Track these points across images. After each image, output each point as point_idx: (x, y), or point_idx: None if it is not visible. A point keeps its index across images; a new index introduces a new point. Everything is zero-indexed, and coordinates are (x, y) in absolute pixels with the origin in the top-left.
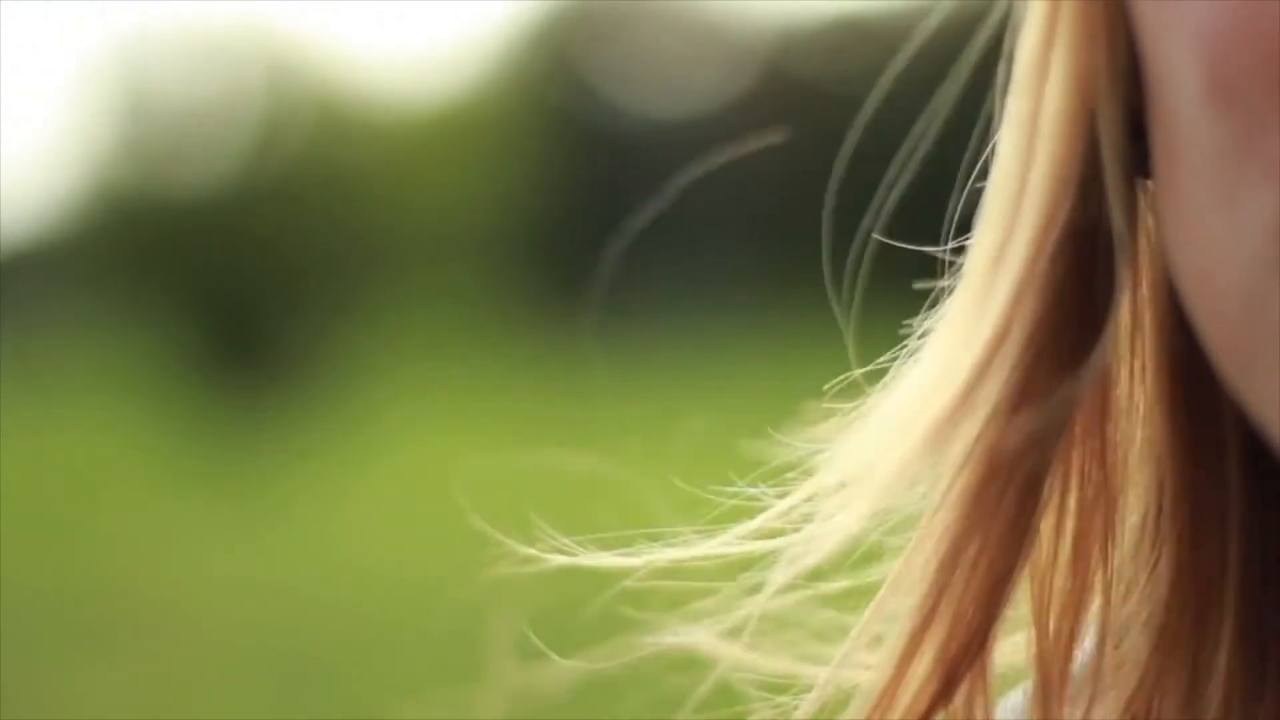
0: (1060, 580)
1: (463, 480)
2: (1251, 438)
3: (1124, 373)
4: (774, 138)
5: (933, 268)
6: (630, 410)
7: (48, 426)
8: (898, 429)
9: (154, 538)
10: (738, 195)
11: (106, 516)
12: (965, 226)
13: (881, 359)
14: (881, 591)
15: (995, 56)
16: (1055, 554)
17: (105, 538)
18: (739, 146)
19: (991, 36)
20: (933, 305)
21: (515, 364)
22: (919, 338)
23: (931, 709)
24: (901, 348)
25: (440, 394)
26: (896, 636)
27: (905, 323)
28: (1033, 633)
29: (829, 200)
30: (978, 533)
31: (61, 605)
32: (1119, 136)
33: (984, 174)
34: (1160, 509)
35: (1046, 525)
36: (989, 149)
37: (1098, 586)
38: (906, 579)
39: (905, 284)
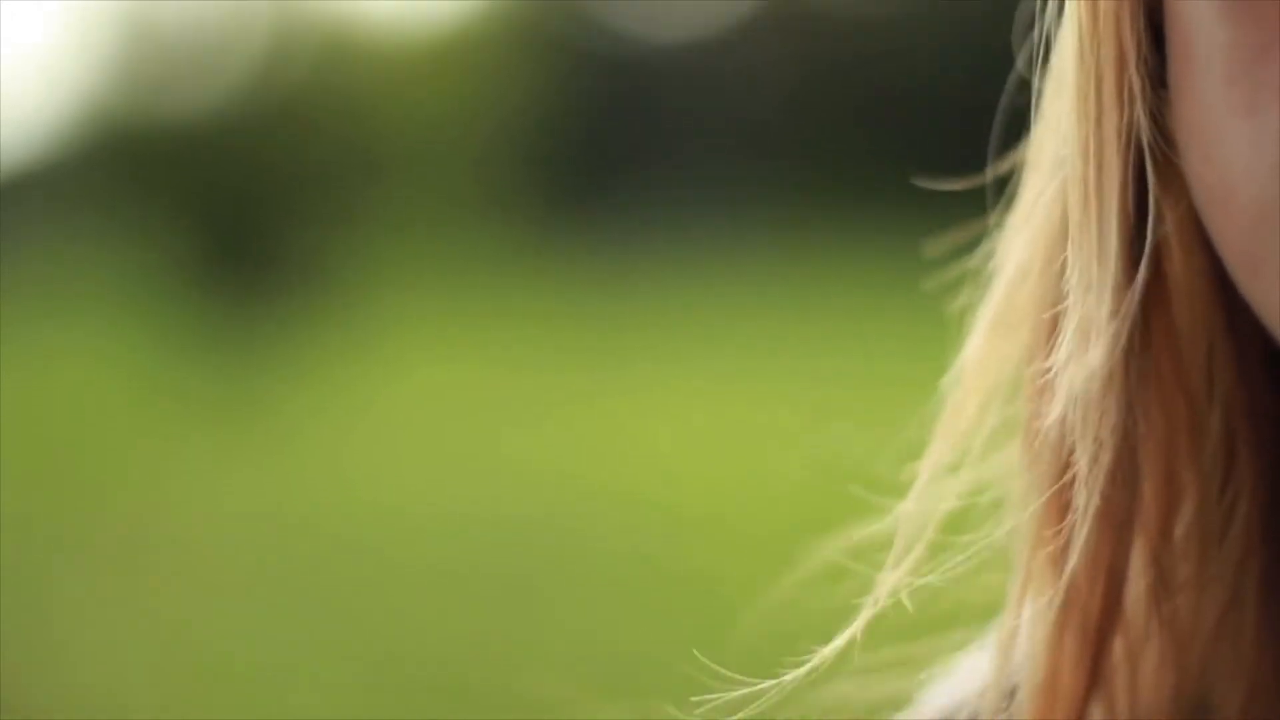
0: (1155, 489)
1: (470, 404)
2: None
3: (1180, 279)
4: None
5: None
6: (633, 332)
7: (47, 349)
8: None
9: (154, 460)
10: (744, 118)
11: (106, 439)
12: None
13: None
14: (1015, 579)
15: None
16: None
17: (105, 461)
18: (743, 70)
19: None
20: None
21: (519, 287)
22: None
23: (1090, 686)
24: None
25: (443, 316)
26: (1040, 625)
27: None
28: (1149, 540)
29: (836, 123)
30: (1092, 526)
31: (61, 531)
32: (1141, 44)
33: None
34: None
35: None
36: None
37: (1191, 488)
38: (1027, 572)
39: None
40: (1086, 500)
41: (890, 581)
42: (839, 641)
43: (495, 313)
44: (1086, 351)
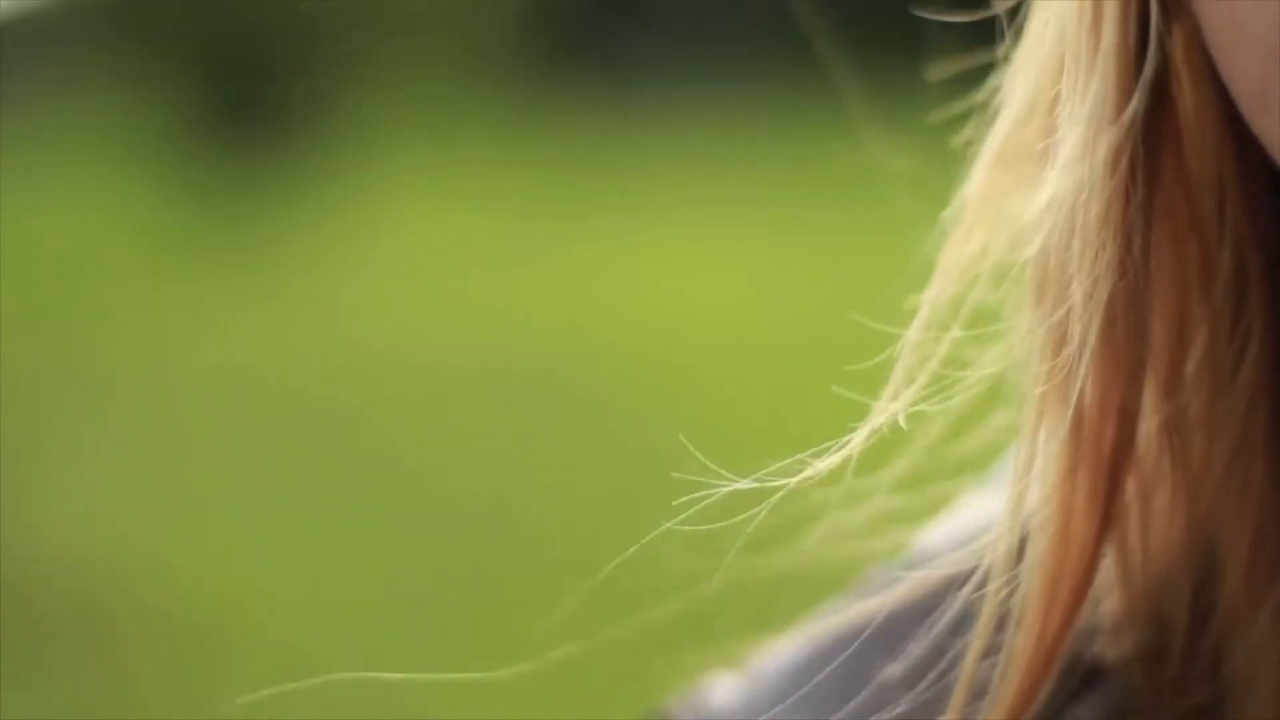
0: (1166, 325)
1: (468, 254)
2: None
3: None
4: None
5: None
6: (633, 182)
7: (45, 196)
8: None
9: (154, 307)
10: None
11: (106, 285)
12: None
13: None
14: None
15: None
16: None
17: (104, 307)
18: None
19: None
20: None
21: (518, 138)
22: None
23: (1102, 532)
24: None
25: (442, 167)
26: (1049, 465)
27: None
28: (1161, 378)
29: None
30: (1102, 359)
31: (59, 376)
32: None
33: None
34: (1249, 323)
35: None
36: None
37: (1202, 326)
38: (1039, 414)
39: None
40: (1083, 335)
41: (889, 411)
42: (833, 457)
43: (494, 164)
44: (1076, 184)
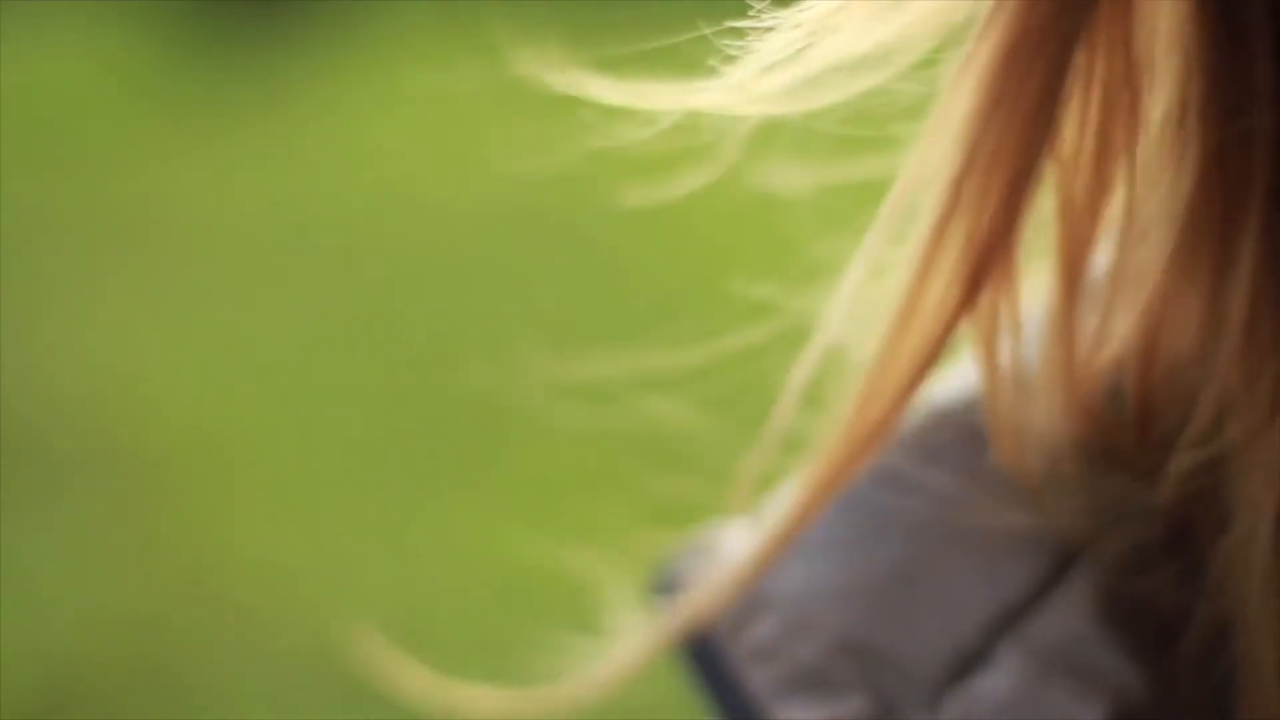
0: (1083, 172)
1: (483, 103)
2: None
3: None
4: None
5: None
6: (639, 43)
7: (49, 41)
8: None
9: (162, 157)
10: None
11: (114, 136)
12: None
13: None
14: (901, 178)
15: None
16: (1079, 144)
17: (112, 158)
18: None
19: None
20: None
21: None
22: None
23: (957, 312)
24: None
25: (445, 19)
26: (919, 230)
27: None
28: (1058, 229)
29: None
30: (1001, 113)
31: (66, 229)
32: None
33: None
34: (1186, 102)
35: (1069, 114)
36: None
37: (1121, 179)
38: (924, 164)
39: None
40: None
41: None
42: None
43: (498, 18)
44: None
